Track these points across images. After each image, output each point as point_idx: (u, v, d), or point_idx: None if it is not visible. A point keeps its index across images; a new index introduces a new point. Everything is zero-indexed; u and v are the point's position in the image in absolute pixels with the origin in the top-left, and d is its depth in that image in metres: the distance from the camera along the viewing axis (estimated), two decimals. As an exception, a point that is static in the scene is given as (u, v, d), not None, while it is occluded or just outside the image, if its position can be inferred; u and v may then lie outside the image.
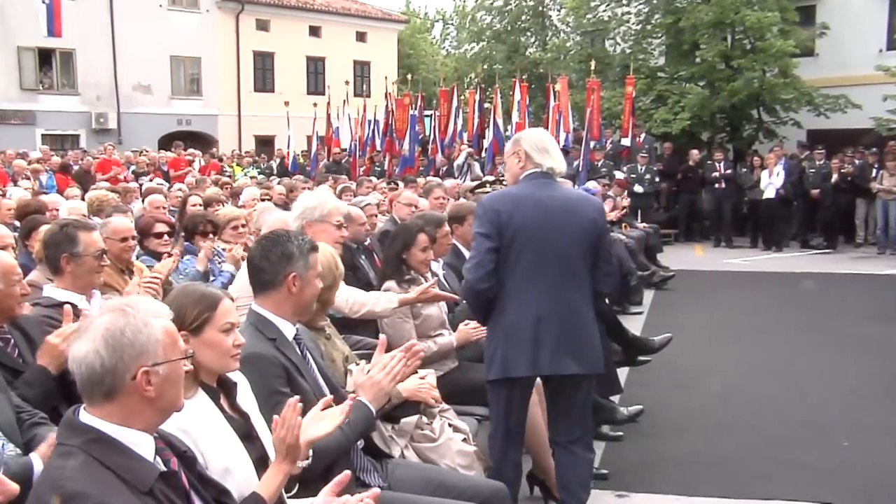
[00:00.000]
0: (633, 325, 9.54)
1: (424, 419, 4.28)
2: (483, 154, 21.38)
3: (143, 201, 10.36)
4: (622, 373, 7.52)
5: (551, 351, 4.34)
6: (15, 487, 2.76)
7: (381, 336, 3.66)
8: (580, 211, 4.47)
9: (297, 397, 2.87)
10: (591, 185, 13.79)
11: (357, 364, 3.95)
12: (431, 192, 9.78)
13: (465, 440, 4.36)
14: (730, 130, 23.33)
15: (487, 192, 9.66)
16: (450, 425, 4.41)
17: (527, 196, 4.40)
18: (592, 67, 20.83)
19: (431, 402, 4.15)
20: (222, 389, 3.02)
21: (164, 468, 2.33)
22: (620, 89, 21.57)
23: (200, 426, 2.78)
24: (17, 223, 8.38)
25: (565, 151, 19.58)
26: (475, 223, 4.41)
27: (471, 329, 5.39)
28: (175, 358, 2.33)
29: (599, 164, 18.82)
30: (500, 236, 4.30)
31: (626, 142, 20.09)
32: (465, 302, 5.28)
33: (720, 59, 22.08)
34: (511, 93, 22.10)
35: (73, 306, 3.94)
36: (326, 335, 4.23)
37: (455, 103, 22.69)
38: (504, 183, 12.50)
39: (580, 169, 18.32)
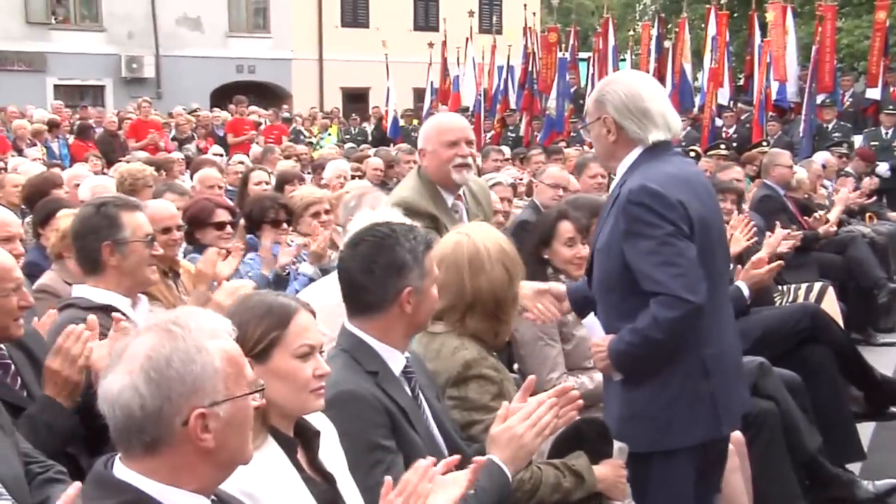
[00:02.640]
0: (884, 361, 9.24)
1: None
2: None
3: (191, 177, 10.66)
4: (865, 430, 7.31)
5: (746, 390, 4.46)
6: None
7: (531, 377, 3.58)
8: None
9: (431, 459, 2.88)
10: (821, 156, 13.45)
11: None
12: (586, 167, 9.73)
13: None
14: None
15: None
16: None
17: (691, 178, 4.29)
18: (827, -16, 20.28)
19: (623, 496, 4.12)
20: (300, 440, 3.07)
21: (223, 543, 2.40)
22: (868, 17, 20.92)
23: (270, 489, 2.84)
24: (26, 207, 8.78)
25: (781, 110, 19.05)
26: (648, 218, 4.06)
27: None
28: (240, 393, 2.37)
29: (830, 126, 18.26)
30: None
31: (873, 94, 19.46)
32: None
33: None
34: (703, 25, 21.80)
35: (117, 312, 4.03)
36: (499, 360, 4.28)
37: (612, 41, 22.47)
38: (692, 156, 12.36)
39: (802, 134, 17.82)
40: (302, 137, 23.29)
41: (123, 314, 4.05)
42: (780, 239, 7.92)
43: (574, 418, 3.52)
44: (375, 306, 3.58)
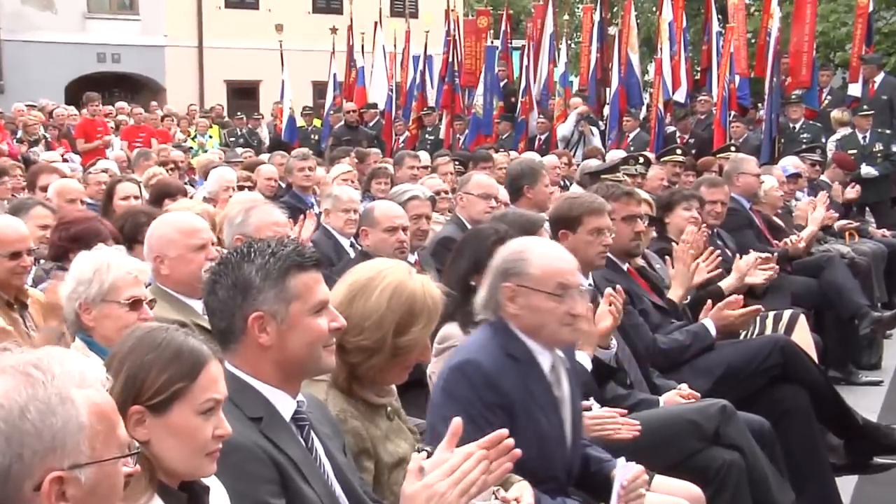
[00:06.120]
0: (866, 402, 9.38)
1: None
2: (605, 112, 21.30)
3: (29, 187, 10.64)
4: (845, 484, 7.39)
5: None
6: None
7: (455, 420, 3.48)
8: None
9: None
10: (789, 163, 13.54)
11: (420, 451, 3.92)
12: (540, 175, 9.81)
13: None
14: None
15: (619, 180, 9.65)
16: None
17: None
18: (799, -36, 20.52)
19: None
20: (189, 497, 3.09)
21: None
22: (848, 1, 21.14)
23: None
24: None
25: (743, 109, 19.15)
26: None
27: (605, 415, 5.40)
28: (109, 457, 2.36)
29: (797, 127, 18.47)
30: None
31: (854, 89, 19.65)
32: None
33: None
34: (656, 9, 22.01)
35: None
36: (388, 413, 4.23)
37: (550, 27, 22.58)
38: (641, 162, 12.46)
39: (763, 137, 17.85)
40: (180, 141, 23.08)
41: None
42: (753, 264, 8.04)
43: (508, 470, 3.50)
44: (228, 334, 3.61)
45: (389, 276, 4.20)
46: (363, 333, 4.06)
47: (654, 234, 8.66)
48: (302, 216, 8.49)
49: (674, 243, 8.24)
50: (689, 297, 7.88)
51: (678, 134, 19.51)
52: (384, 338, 4.07)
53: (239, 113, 28.57)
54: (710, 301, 7.42)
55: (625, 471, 4.67)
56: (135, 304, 4.83)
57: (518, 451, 3.48)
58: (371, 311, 4.09)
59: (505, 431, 3.54)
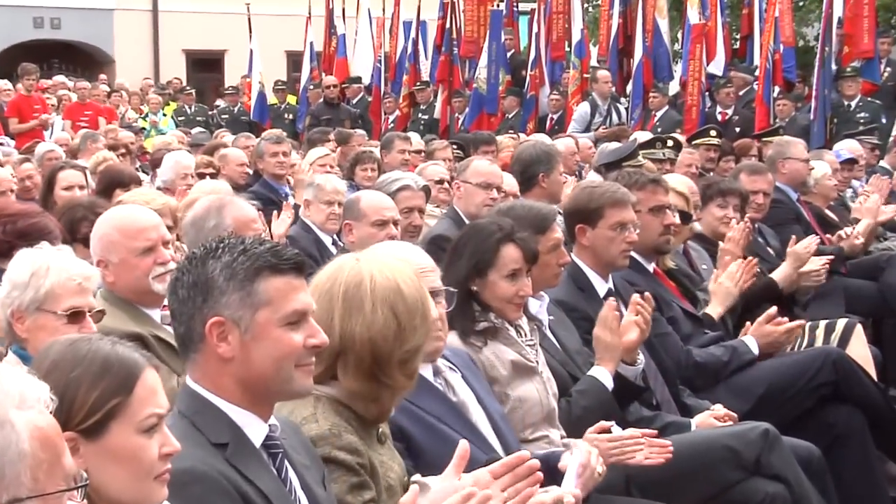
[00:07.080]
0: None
1: None
2: (628, 88, 21.26)
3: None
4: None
5: None
6: None
7: (462, 443, 3.55)
8: None
9: None
10: (843, 146, 13.52)
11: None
12: (555, 161, 9.76)
13: None
14: None
15: (639, 166, 9.64)
16: None
17: None
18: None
19: None
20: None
21: None
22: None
23: None
24: None
25: (789, 84, 19.05)
26: None
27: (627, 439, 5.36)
28: (53, 490, 2.35)
29: (852, 105, 18.46)
30: None
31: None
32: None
33: None
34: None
35: None
36: (380, 436, 4.19)
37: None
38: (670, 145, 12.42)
39: (813, 116, 17.81)
40: (129, 121, 23.04)
41: None
42: (811, 250, 8.02)
43: (529, 497, 3.50)
44: (187, 341, 3.59)
45: (381, 280, 4.10)
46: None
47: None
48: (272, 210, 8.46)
49: (720, 243, 8.23)
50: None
51: (718, 110, 19.44)
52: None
53: (189, 88, 28.46)
54: (748, 322, 7.42)
55: (579, 451, 4.75)
56: (75, 315, 4.76)
57: (540, 475, 3.50)
58: (365, 326, 4.03)
59: (526, 453, 3.55)
